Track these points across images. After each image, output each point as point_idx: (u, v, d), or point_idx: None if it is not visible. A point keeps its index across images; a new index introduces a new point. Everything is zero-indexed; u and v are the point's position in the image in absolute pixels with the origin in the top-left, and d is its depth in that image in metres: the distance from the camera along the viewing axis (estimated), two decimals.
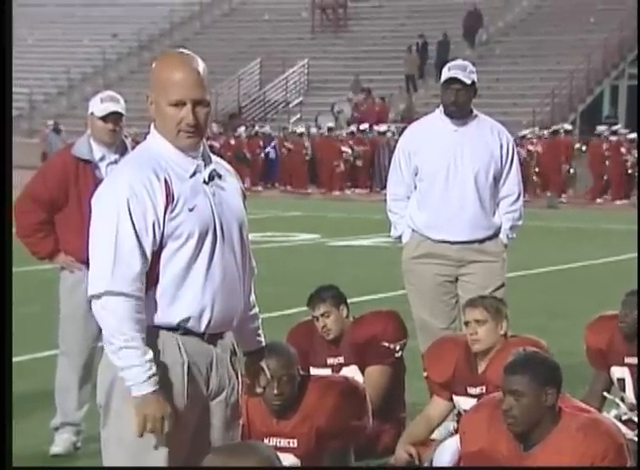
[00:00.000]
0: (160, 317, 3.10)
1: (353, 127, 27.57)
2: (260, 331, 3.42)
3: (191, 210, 3.10)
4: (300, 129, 27.27)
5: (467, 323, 4.81)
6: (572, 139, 25.59)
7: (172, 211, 3.08)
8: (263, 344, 3.43)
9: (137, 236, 3.05)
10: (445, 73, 5.57)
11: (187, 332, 3.13)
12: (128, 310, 3.03)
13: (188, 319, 3.12)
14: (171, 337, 3.12)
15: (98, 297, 3.07)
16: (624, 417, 5.09)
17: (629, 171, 24.57)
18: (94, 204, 3.14)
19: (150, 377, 3.04)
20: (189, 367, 3.13)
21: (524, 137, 24.86)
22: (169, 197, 3.07)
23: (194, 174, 3.15)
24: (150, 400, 3.04)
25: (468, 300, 5.02)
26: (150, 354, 3.05)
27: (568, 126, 26.00)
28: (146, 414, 3.04)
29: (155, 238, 3.07)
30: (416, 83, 32.03)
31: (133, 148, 5.41)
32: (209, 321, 3.14)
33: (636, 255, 12.82)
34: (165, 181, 3.08)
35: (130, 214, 3.05)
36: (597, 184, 25.03)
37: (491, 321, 4.76)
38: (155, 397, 3.04)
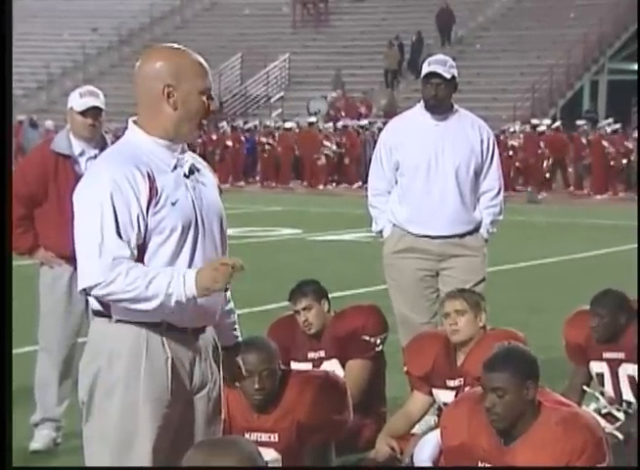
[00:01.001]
0: (145, 313, 3.07)
1: (338, 123, 27.58)
2: (237, 326, 3.42)
3: (173, 203, 3.09)
4: (289, 124, 27.17)
5: (447, 315, 4.82)
6: (557, 134, 25.61)
7: (156, 205, 3.06)
8: (239, 339, 3.43)
9: (121, 230, 3.03)
10: (425, 68, 5.58)
11: (170, 327, 3.12)
12: (124, 271, 3.00)
13: (172, 315, 3.10)
14: (155, 333, 3.11)
15: (91, 289, 3.04)
16: (604, 411, 5.11)
17: (611, 165, 24.68)
18: (76, 199, 3.11)
19: (183, 275, 3.00)
20: (173, 363, 3.12)
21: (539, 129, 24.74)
22: (153, 190, 3.06)
23: (175, 168, 3.15)
24: (199, 279, 2.99)
25: (447, 292, 5.04)
26: (168, 269, 3.02)
27: (547, 121, 26.02)
28: (212, 280, 2.99)
29: (140, 232, 3.06)
30: (396, 78, 32.05)
31: (113, 143, 5.42)
32: (193, 316, 3.13)
33: (617, 249, 12.91)
34: (148, 175, 3.07)
35: (114, 208, 3.03)
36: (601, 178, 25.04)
37: (471, 312, 4.79)
38: (198, 274, 3.00)
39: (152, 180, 3.07)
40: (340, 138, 26.83)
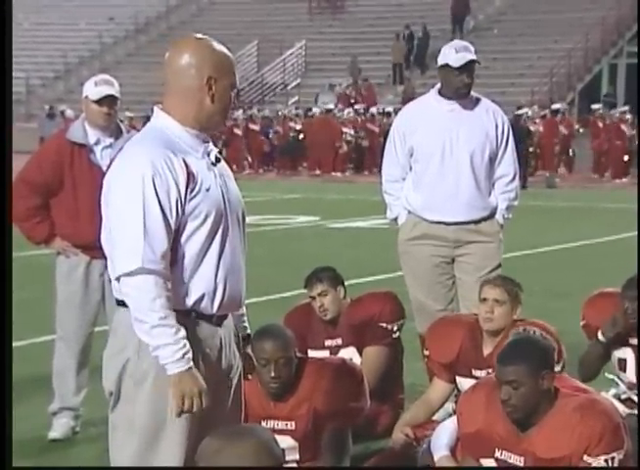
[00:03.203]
0: (175, 300, 3.07)
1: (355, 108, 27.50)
2: (245, 318, 3.41)
3: (207, 190, 3.10)
4: (316, 109, 26.99)
5: (484, 300, 4.71)
6: (570, 118, 25.48)
7: (192, 191, 3.08)
8: (249, 330, 3.43)
9: (164, 214, 3.03)
10: (453, 57, 5.43)
11: (199, 316, 3.13)
12: (160, 288, 3.00)
13: (201, 301, 3.11)
14: (185, 322, 3.09)
15: (128, 275, 3.01)
16: (623, 396, 5.07)
17: (628, 150, 24.55)
18: (112, 183, 3.09)
19: (184, 354, 3.02)
20: (202, 352, 3.13)
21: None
22: (190, 176, 3.07)
23: (202, 156, 3.16)
24: (186, 378, 3.02)
25: (489, 277, 4.95)
26: (183, 332, 3.03)
27: (557, 105, 25.78)
28: (184, 393, 3.02)
29: (178, 216, 3.06)
30: (402, 72, 31.91)
31: (129, 132, 5.41)
32: (221, 302, 3.14)
33: (635, 233, 12.82)
34: (184, 160, 3.08)
35: (156, 192, 3.03)
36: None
37: (509, 304, 4.69)
38: (190, 373, 3.03)
39: (187, 166, 3.08)
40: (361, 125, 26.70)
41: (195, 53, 3.14)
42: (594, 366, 5.00)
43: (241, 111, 28.27)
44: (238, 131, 27.03)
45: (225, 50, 3.20)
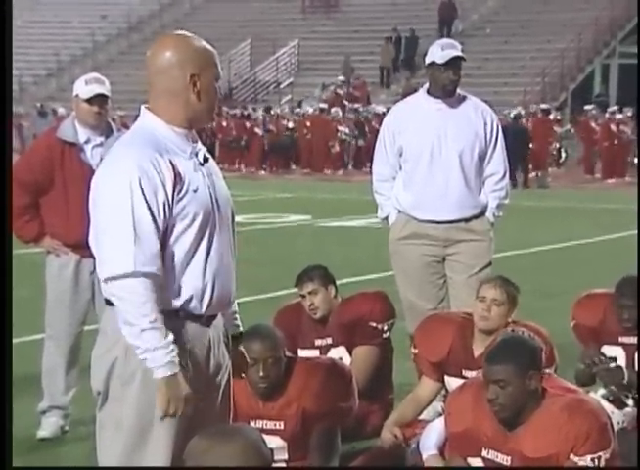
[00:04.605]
0: (164, 301, 3.07)
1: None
2: (237, 315, 3.41)
3: (195, 191, 3.10)
4: (310, 109, 26.94)
5: (482, 298, 4.70)
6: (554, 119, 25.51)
7: (179, 192, 3.07)
8: (241, 328, 3.43)
9: (152, 216, 3.02)
10: (439, 54, 5.47)
11: (187, 316, 3.12)
12: (150, 291, 2.99)
13: (190, 302, 3.11)
14: (174, 322, 3.09)
15: (118, 278, 3.00)
16: (611, 397, 5.08)
17: (617, 150, 24.60)
18: (99, 185, 3.08)
19: (173, 358, 3.02)
20: (190, 352, 3.12)
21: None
22: (177, 177, 3.06)
23: (190, 156, 3.15)
24: (173, 382, 3.03)
25: (489, 277, 4.95)
26: (171, 336, 3.03)
27: (544, 106, 25.81)
28: (170, 397, 3.03)
29: (165, 218, 3.05)
30: (390, 76, 31.90)
31: (119, 130, 5.41)
32: (210, 303, 3.14)
33: (627, 233, 12.86)
34: (171, 162, 3.07)
35: (144, 195, 3.02)
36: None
37: (506, 305, 4.69)
38: (177, 378, 3.03)
39: (174, 167, 3.07)
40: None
41: (175, 52, 3.12)
42: (588, 377, 5.03)
43: (236, 109, 28.23)
44: (258, 131, 26.95)
45: (204, 43, 3.17)
